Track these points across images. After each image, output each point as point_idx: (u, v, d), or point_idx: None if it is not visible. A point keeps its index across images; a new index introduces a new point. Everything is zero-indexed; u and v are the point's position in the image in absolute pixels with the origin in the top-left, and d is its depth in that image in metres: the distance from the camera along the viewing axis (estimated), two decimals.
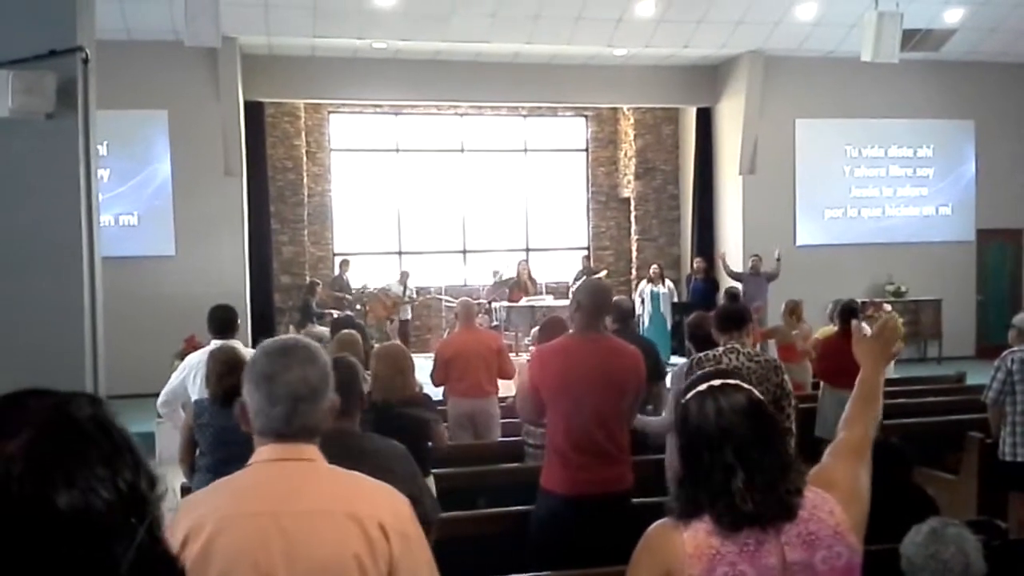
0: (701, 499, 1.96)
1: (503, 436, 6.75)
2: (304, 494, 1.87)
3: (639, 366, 4.15)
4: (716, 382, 2.06)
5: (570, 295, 5.47)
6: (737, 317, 4.81)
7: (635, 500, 4.07)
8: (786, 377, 4.69)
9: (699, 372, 2.24)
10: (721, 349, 4.60)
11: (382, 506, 1.90)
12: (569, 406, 3.95)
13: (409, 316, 14.44)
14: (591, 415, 3.93)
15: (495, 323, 13.63)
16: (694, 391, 2.08)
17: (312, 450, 1.95)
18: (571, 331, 4.28)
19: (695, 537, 1.94)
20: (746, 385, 2.06)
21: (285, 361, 1.95)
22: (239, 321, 5.61)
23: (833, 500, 2.02)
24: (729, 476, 1.94)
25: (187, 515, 1.85)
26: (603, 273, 14.94)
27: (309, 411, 1.94)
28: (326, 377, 1.99)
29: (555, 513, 3.97)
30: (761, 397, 2.06)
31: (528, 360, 4.19)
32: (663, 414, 5.15)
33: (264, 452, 1.93)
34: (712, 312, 5.36)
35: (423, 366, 6.19)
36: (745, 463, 1.95)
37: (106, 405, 1.04)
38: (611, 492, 3.97)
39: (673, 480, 2.10)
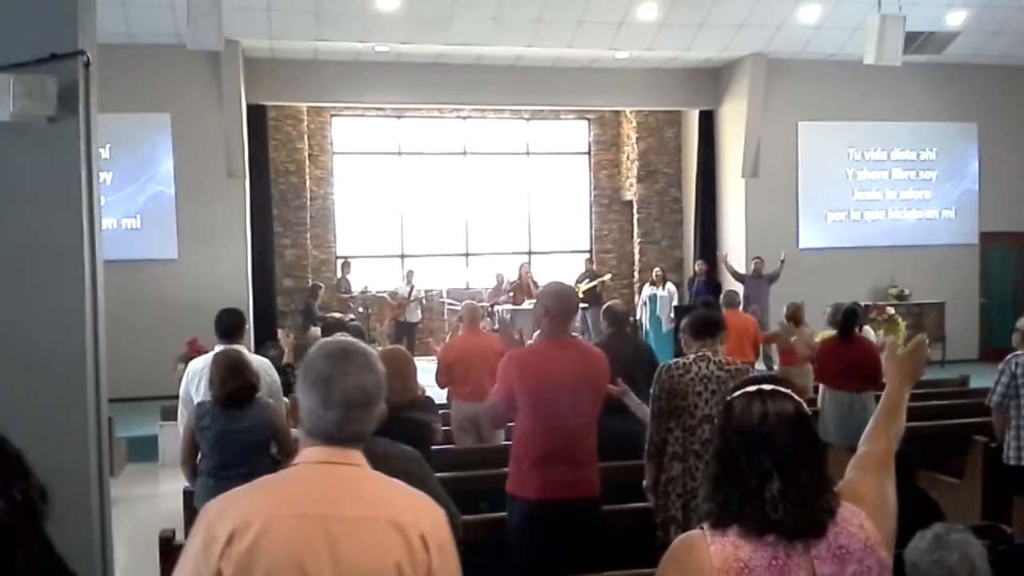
0: (732, 502, 1.92)
1: (506, 440, 6.73)
2: (350, 499, 1.88)
3: (606, 367, 4.19)
4: (766, 386, 1.99)
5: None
6: (712, 324, 4.79)
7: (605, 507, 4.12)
8: None
9: (749, 375, 2.19)
10: (692, 357, 4.57)
11: (423, 516, 1.92)
12: (546, 410, 3.95)
13: (418, 318, 14.40)
14: (568, 418, 3.95)
15: (497, 326, 13.61)
16: (741, 391, 2.02)
17: (359, 455, 1.96)
18: (541, 335, 4.25)
19: (723, 551, 1.89)
20: (796, 396, 2.00)
21: (344, 366, 1.95)
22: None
23: (863, 514, 1.98)
24: (764, 482, 1.90)
25: (233, 512, 1.84)
26: (607, 277, 14.94)
27: (362, 418, 1.95)
28: (381, 385, 2.00)
29: (528, 518, 3.97)
30: (807, 411, 2.00)
31: (502, 364, 4.16)
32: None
33: (312, 453, 1.94)
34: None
35: (426, 368, 6.20)
36: (782, 472, 1.90)
37: None
38: (581, 496, 3.98)
39: (706, 483, 2.03)
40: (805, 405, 2.01)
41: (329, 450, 1.93)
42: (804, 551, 1.89)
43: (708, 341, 4.68)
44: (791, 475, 1.90)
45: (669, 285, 13.89)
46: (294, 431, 2.24)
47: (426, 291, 14.78)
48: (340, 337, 2.18)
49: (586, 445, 4.06)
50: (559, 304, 4.14)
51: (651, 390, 4.57)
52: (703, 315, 5.05)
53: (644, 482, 4.62)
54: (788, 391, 2.00)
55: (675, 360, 4.68)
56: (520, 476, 4.04)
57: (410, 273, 14.51)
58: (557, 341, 4.11)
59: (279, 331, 11.82)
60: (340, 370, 1.94)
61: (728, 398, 2.05)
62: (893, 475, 2.20)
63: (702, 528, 1.96)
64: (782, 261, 12.75)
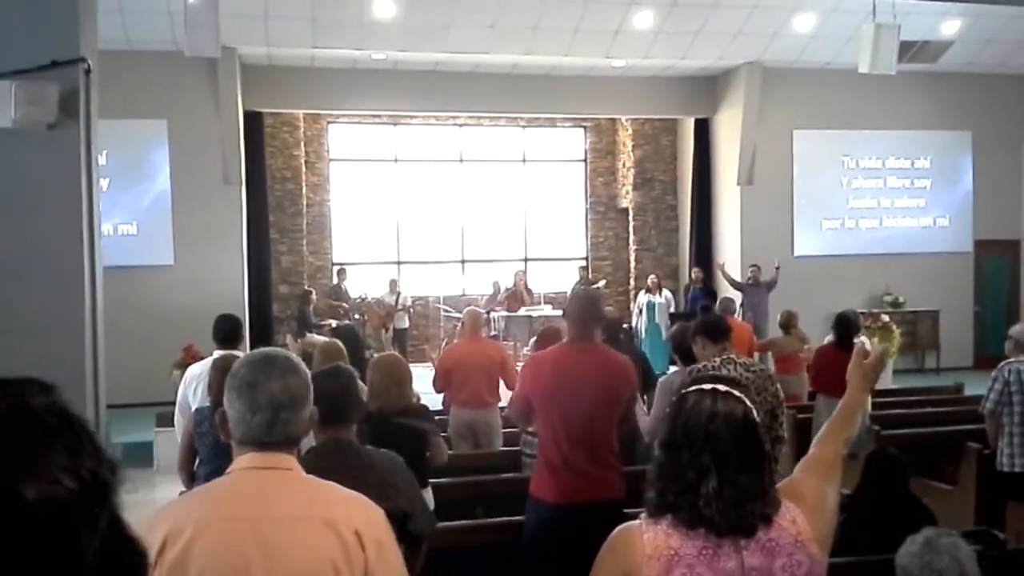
0: (668, 493, 1.97)
1: (504, 446, 6.75)
2: (282, 501, 1.90)
3: (630, 375, 4.18)
4: (721, 386, 2.03)
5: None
6: (725, 326, 4.86)
7: (629, 510, 4.07)
8: (779, 386, 4.71)
9: (705, 373, 2.23)
10: (719, 360, 4.60)
11: (357, 513, 1.93)
12: (559, 414, 3.97)
13: (406, 325, 14.38)
14: (581, 423, 3.95)
15: (493, 333, 13.63)
16: (695, 387, 2.05)
17: (290, 459, 1.98)
18: (564, 340, 4.29)
19: (655, 538, 1.95)
20: (748, 401, 2.02)
21: (267, 370, 1.98)
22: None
23: (797, 510, 2.02)
24: (702, 479, 1.94)
25: (165, 521, 1.87)
26: (601, 283, 14.97)
27: (290, 420, 1.97)
28: (306, 387, 2.02)
29: (545, 520, 3.98)
30: (757, 418, 2.03)
31: (522, 367, 4.20)
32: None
33: (244, 460, 1.97)
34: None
35: (421, 375, 6.19)
36: (720, 472, 1.94)
37: (59, 392, 1.05)
38: (600, 499, 3.97)
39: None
40: (756, 411, 2.03)
41: (260, 455, 1.95)
42: (733, 543, 1.94)
43: (726, 344, 4.72)
44: (729, 476, 1.94)
45: (665, 292, 13.92)
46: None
47: (412, 298, 14.76)
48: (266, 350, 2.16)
49: (603, 450, 4.05)
50: (577, 309, 4.18)
51: (662, 398, 4.60)
52: (718, 318, 5.11)
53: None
54: (741, 395, 2.02)
55: (703, 363, 4.69)
56: (540, 479, 4.06)
57: (393, 282, 14.49)
58: (578, 346, 4.12)
59: (288, 337, 11.84)
60: (264, 374, 1.97)
61: (683, 391, 2.08)
62: (838, 479, 2.23)
63: (639, 518, 2.02)
64: (777, 268, 12.78)
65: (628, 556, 1.97)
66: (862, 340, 8.95)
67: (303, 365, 2.05)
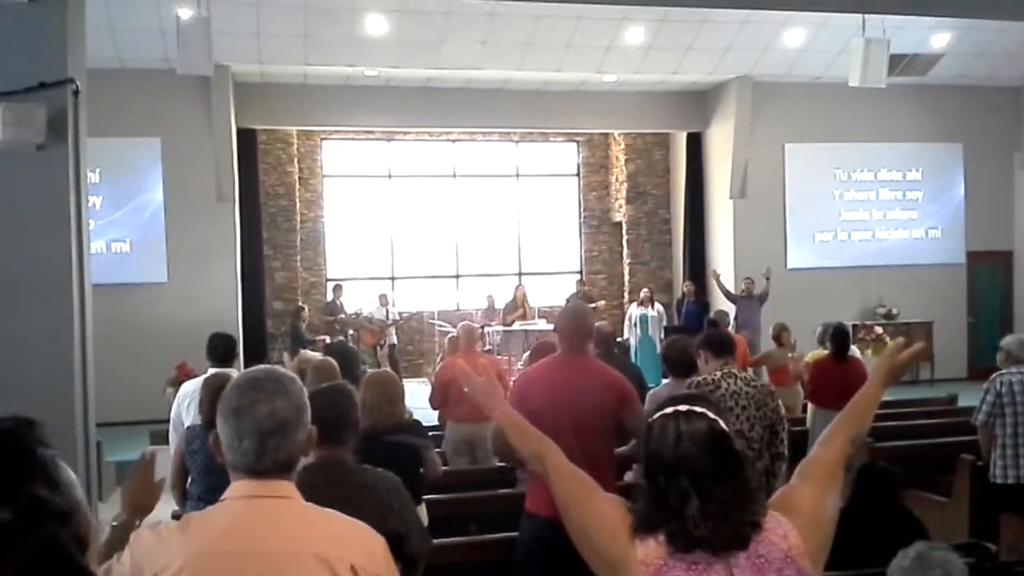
0: (656, 518, 1.98)
1: (500, 461, 6.73)
2: (275, 534, 1.84)
3: (623, 388, 4.14)
4: (682, 407, 2.05)
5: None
6: (729, 341, 4.88)
7: None
8: (780, 402, 4.71)
9: (672, 394, 2.24)
10: (719, 374, 4.60)
11: (354, 547, 1.87)
12: (552, 427, 3.95)
13: (395, 341, 14.34)
14: (574, 435, 3.94)
15: (488, 347, 13.62)
16: (659, 414, 2.07)
17: (287, 487, 1.92)
18: (556, 354, 4.28)
19: (646, 546, 1.97)
20: (712, 414, 2.04)
21: (253, 395, 1.90)
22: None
23: (789, 524, 2.02)
24: (684, 502, 1.95)
25: (159, 551, 1.82)
26: (601, 303, 14.96)
27: (279, 446, 1.90)
28: (298, 409, 1.94)
29: (537, 536, 3.96)
30: (725, 428, 2.04)
31: (513, 382, 4.18)
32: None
33: (238, 488, 1.91)
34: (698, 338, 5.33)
35: (414, 391, 6.22)
36: (699, 492, 1.95)
37: (38, 427, 1.08)
38: None
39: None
40: (722, 422, 2.04)
41: (254, 483, 1.89)
42: (725, 559, 1.94)
43: (729, 359, 4.73)
44: (708, 493, 1.95)
45: (658, 305, 13.93)
46: None
47: (400, 313, 14.74)
48: (264, 367, 2.11)
49: (599, 462, 4.01)
50: (564, 323, 4.19)
51: (650, 408, 4.58)
52: (721, 333, 5.13)
53: None
54: (703, 410, 2.04)
55: (703, 377, 4.70)
56: (533, 493, 4.05)
57: (383, 297, 14.47)
58: (568, 359, 4.11)
59: (284, 355, 11.82)
60: (249, 399, 1.90)
61: (649, 420, 2.10)
62: (839, 484, 2.22)
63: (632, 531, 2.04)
64: (767, 278, 12.80)
65: (622, 535, 2.01)
66: (854, 351, 8.97)
67: (296, 384, 1.97)
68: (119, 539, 2.16)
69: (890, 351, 2.46)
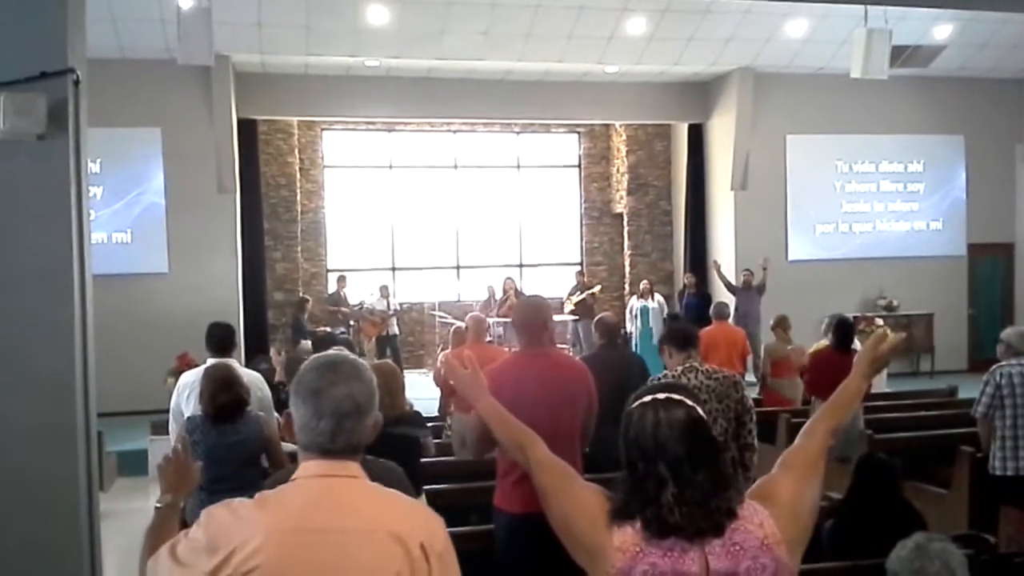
0: (633, 506, 2.02)
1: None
2: (350, 512, 1.90)
3: (587, 380, 4.14)
4: (660, 395, 2.10)
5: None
6: (694, 335, 4.88)
7: None
8: (746, 393, 4.73)
9: (650, 383, 2.28)
10: (680, 369, 4.63)
11: (421, 526, 1.94)
12: (525, 423, 3.94)
13: (396, 331, 14.35)
14: (546, 429, 3.93)
15: (490, 339, 13.62)
16: (638, 402, 2.12)
17: (355, 467, 1.98)
18: (516, 350, 4.28)
19: (623, 533, 2.02)
20: (689, 401, 2.09)
21: (332, 376, 1.97)
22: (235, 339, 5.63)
23: (765, 513, 2.05)
24: (661, 488, 2.00)
25: (237, 527, 1.85)
26: (596, 289, 14.98)
27: (354, 428, 1.96)
28: (371, 394, 2.01)
29: (512, 531, 3.96)
30: (703, 414, 2.09)
31: None
32: None
33: (310, 467, 1.96)
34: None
35: (415, 382, 6.23)
36: (677, 478, 2.00)
37: None
38: None
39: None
40: (700, 409, 2.10)
41: (326, 463, 1.95)
42: (700, 546, 1.98)
43: (692, 352, 4.75)
44: (686, 479, 2.00)
45: (658, 297, 13.93)
46: (292, 446, 2.27)
47: (400, 304, 14.75)
48: (332, 351, 2.19)
49: (567, 457, 4.03)
50: (518, 317, 4.23)
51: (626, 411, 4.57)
52: (683, 327, 5.15)
53: None
54: (681, 397, 2.09)
55: (664, 372, 4.73)
56: (504, 491, 4.04)
57: (384, 288, 14.47)
58: (529, 354, 4.10)
59: (271, 349, 11.83)
60: (328, 381, 1.96)
61: (627, 409, 2.14)
62: (820, 476, 2.25)
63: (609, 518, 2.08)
64: (764, 269, 12.80)
65: (599, 521, 2.06)
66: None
67: (368, 371, 2.04)
68: (164, 517, 2.25)
69: (871, 343, 2.50)
